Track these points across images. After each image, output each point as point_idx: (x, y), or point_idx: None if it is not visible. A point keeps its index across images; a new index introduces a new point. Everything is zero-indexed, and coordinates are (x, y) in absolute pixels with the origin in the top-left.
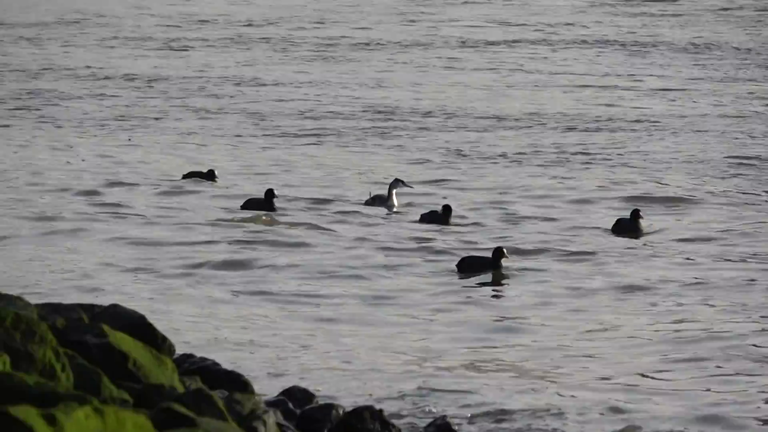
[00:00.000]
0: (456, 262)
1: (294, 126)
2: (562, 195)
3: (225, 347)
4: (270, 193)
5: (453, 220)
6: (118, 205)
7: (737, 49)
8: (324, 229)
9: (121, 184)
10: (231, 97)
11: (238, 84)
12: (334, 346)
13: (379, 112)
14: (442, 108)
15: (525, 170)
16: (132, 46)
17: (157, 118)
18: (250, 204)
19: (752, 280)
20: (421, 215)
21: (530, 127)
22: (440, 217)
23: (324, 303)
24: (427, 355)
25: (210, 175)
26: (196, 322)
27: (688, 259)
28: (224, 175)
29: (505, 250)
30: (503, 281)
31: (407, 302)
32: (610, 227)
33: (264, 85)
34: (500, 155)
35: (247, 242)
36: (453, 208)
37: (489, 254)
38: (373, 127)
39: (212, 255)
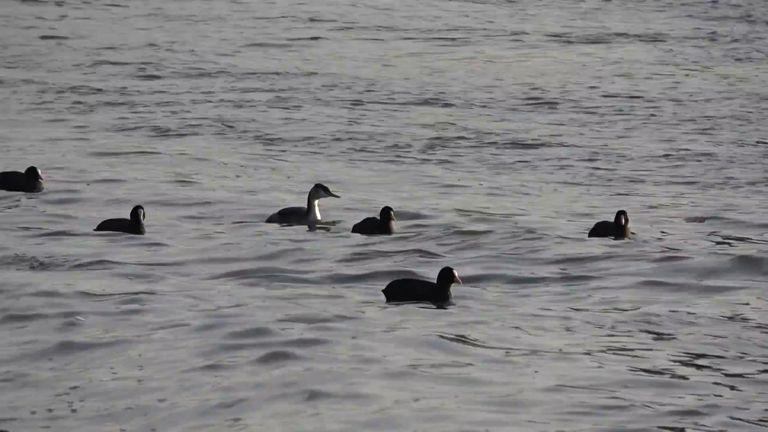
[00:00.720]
0: (383, 287)
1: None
2: (522, 194)
3: (36, 416)
4: (136, 214)
5: (394, 226)
6: None
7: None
8: (204, 252)
9: None
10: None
11: (54, 52)
12: (201, 403)
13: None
14: (340, 82)
15: (468, 163)
16: None
17: None
18: (109, 227)
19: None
20: (354, 225)
21: (469, 107)
22: (378, 223)
23: (192, 350)
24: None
25: (30, 176)
26: None
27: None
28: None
29: (455, 272)
30: (448, 316)
31: (304, 355)
32: (585, 234)
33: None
34: (428, 141)
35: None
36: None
37: (431, 276)
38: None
39: (35, 286)
